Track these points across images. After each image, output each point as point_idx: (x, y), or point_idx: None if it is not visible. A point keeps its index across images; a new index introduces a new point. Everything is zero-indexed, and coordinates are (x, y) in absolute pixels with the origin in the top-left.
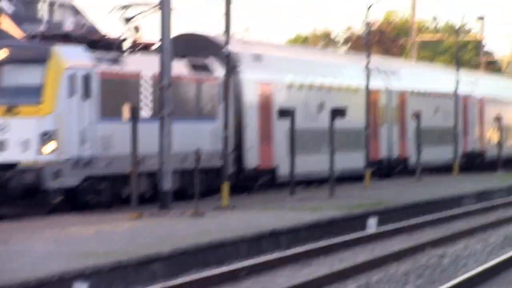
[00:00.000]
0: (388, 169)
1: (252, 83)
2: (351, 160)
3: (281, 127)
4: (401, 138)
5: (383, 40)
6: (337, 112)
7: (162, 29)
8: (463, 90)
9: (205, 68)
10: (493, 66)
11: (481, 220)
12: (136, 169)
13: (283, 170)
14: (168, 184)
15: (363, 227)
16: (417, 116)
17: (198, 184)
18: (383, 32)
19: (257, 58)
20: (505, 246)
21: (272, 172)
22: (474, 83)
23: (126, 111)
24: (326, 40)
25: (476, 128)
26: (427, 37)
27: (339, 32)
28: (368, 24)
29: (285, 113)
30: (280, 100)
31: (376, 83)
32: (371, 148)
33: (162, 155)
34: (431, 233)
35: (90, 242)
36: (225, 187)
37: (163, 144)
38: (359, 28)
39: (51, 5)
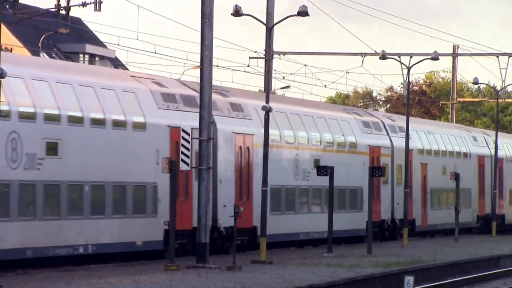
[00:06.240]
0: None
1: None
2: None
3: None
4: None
5: (423, 101)
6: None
7: (202, 84)
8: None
9: None
10: None
11: None
12: (174, 221)
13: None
14: (205, 237)
15: (400, 285)
16: (457, 176)
17: (236, 238)
18: (424, 92)
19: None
20: None
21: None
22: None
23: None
24: (367, 99)
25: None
26: (467, 99)
27: (380, 92)
28: (408, 85)
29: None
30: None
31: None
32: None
33: (200, 208)
34: None
35: None
36: (263, 242)
37: (202, 197)
38: (399, 89)
39: (92, 56)
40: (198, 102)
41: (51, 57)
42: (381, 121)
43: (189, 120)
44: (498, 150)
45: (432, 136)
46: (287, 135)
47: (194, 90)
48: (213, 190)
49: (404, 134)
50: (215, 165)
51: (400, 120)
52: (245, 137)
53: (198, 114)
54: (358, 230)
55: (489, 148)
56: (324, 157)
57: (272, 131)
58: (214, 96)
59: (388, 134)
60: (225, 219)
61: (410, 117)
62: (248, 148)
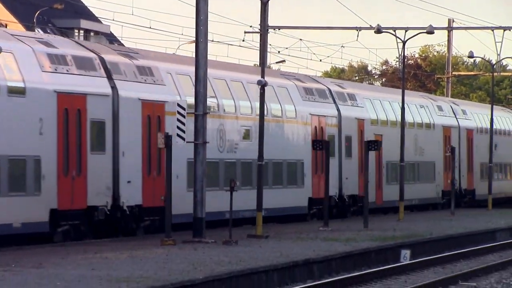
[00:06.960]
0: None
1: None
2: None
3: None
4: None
5: (418, 74)
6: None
7: (197, 59)
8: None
9: None
10: None
11: None
12: (170, 196)
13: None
14: (201, 212)
15: (396, 258)
16: (452, 150)
17: (232, 212)
18: (419, 66)
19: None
20: None
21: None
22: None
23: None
24: (362, 73)
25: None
26: (462, 72)
27: (375, 66)
28: (403, 59)
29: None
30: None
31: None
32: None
33: (195, 183)
34: (465, 266)
35: (124, 267)
36: (259, 216)
37: (197, 171)
38: (394, 63)
39: (87, 32)
40: (96, 64)
41: (46, 32)
42: (328, 88)
43: (83, 85)
44: (468, 121)
45: (389, 104)
46: (209, 102)
47: (93, 52)
48: (114, 164)
49: (356, 102)
50: (116, 136)
51: (351, 88)
52: (155, 105)
53: (95, 78)
54: (299, 207)
55: (456, 118)
56: (257, 127)
57: (189, 99)
58: (118, 58)
59: (335, 102)
60: (130, 197)
61: (360, 84)
62: (159, 117)
